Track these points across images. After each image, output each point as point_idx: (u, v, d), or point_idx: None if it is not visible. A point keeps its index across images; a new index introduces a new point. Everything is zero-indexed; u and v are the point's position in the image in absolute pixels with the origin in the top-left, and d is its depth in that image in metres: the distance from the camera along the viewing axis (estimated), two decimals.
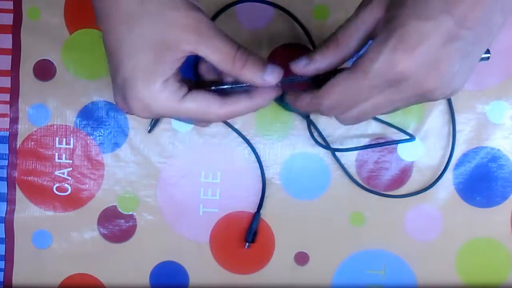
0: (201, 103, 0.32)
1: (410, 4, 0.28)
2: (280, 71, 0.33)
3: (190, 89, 0.33)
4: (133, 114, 0.32)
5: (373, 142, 0.52)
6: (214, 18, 0.51)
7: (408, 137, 0.51)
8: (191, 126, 0.52)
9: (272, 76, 0.33)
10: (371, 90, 0.30)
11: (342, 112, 0.33)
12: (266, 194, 0.52)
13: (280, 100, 0.51)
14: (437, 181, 0.51)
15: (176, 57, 0.31)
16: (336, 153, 0.51)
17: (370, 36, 0.32)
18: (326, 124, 0.52)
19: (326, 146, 0.51)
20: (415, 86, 0.29)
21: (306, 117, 0.51)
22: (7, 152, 0.53)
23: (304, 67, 0.34)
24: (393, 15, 0.29)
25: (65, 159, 0.52)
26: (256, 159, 0.52)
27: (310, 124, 0.51)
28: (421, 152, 0.52)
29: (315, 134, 0.51)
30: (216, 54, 0.31)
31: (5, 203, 0.53)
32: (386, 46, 0.28)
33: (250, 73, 0.32)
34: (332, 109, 0.33)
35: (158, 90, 0.30)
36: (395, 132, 0.51)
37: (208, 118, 0.33)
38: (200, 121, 0.35)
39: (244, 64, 0.32)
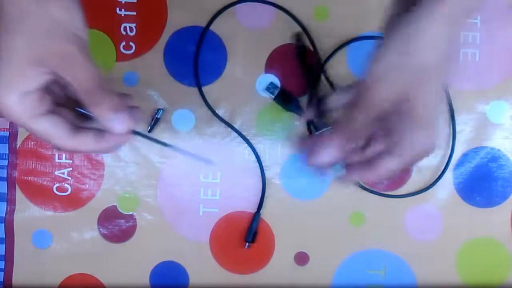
0: (49, 130, 0.32)
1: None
2: (130, 123, 0.33)
3: (56, 109, 0.33)
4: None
5: None
6: (214, 18, 0.52)
7: None
8: (191, 126, 0.52)
9: (120, 125, 0.33)
10: None
11: None
12: (266, 194, 0.52)
13: (280, 101, 0.51)
14: (437, 181, 0.51)
15: (38, 73, 0.30)
16: None
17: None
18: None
19: None
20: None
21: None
22: (7, 152, 0.53)
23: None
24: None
25: (65, 159, 0.52)
26: (256, 159, 0.52)
27: (310, 124, 0.51)
28: None
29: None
30: (76, 84, 0.31)
31: (5, 203, 0.53)
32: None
33: (101, 114, 0.32)
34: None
35: (13, 101, 0.30)
36: None
37: (55, 145, 0.33)
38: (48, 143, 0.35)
39: (99, 103, 0.32)
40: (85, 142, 0.34)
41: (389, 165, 0.34)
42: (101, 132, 0.34)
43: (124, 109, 0.33)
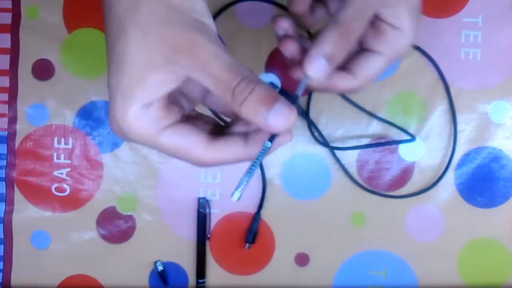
0: (182, 141, 0.27)
1: None
2: (292, 112, 0.26)
3: (183, 120, 0.28)
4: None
5: (373, 142, 0.51)
6: (214, 18, 0.51)
7: (409, 137, 0.50)
8: None
9: (278, 119, 0.25)
10: None
11: None
12: (266, 194, 0.52)
13: None
14: (439, 181, 0.51)
15: (162, 79, 0.25)
16: (337, 153, 0.51)
17: None
18: (327, 125, 0.51)
19: (326, 144, 0.51)
20: None
21: (306, 117, 0.51)
22: (6, 152, 0.52)
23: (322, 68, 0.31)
24: None
25: (64, 159, 0.52)
26: None
27: (311, 124, 0.51)
28: (423, 152, 0.51)
29: (316, 134, 0.51)
30: (213, 83, 0.25)
31: (4, 203, 0.52)
32: None
33: (250, 112, 0.25)
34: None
35: (134, 115, 0.25)
36: (396, 132, 0.51)
37: (189, 161, 0.28)
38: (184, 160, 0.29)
39: (245, 99, 0.25)
40: (228, 149, 0.28)
41: (373, 66, 0.33)
42: (248, 135, 0.28)
43: (278, 99, 0.26)
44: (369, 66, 0.33)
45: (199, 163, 0.27)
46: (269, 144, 0.27)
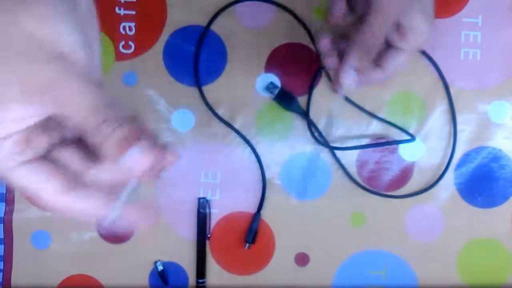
0: (33, 182, 0.25)
1: None
2: (149, 157, 0.24)
3: (57, 152, 0.26)
4: None
5: (373, 142, 0.51)
6: (214, 18, 0.51)
7: (409, 137, 0.50)
8: (191, 126, 0.52)
9: (134, 163, 0.23)
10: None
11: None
12: (266, 194, 0.52)
13: (280, 101, 0.51)
14: (438, 181, 0.51)
15: (21, 114, 0.23)
16: (337, 153, 0.51)
17: None
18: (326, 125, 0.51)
19: (326, 144, 0.51)
20: None
21: (306, 117, 0.51)
22: None
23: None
24: None
25: None
26: (256, 159, 0.52)
27: (310, 124, 0.51)
28: (422, 152, 0.51)
29: (316, 134, 0.51)
30: (77, 117, 0.23)
31: (4, 203, 0.52)
32: None
33: (108, 153, 0.23)
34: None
35: None
36: (396, 132, 0.51)
37: (40, 204, 0.26)
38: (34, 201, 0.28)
39: (110, 135, 0.23)
40: (88, 198, 0.26)
41: (398, 60, 0.40)
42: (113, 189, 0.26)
43: (139, 141, 0.24)
44: (394, 61, 0.40)
45: (48, 208, 0.26)
46: (134, 184, 0.25)
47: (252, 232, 0.51)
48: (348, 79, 0.39)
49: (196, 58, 0.52)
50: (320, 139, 0.51)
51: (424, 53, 0.51)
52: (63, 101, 0.23)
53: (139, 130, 0.24)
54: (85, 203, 0.26)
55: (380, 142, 0.51)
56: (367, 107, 0.51)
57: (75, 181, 0.26)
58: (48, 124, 0.25)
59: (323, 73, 0.51)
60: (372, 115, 0.51)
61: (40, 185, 0.25)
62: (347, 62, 0.39)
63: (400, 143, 0.51)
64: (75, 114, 0.23)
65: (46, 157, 0.26)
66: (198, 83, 0.52)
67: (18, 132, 0.24)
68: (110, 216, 0.25)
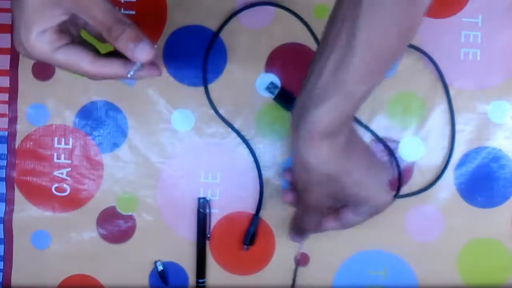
0: (72, 57, 0.35)
1: None
2: (151, 50, 0.34)
3: (73, 43, 0.36)
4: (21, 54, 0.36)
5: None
6: (221, 26, 0.51)
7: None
8: (191, 126, 0.52)
9: (142, 53, 0.34)
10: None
11: None
12: (266, 194, 0.52)
13: (280, 101, 0.51)
14: (437, 181, 0.51)
15: (54, 14, 0.33)
16: None
17: None
18: None
19: None
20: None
21: None
22: (6, 152, 0.52)
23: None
24: None
25: (64, 159, 0.52)
26: (255, 160, 0.51)
27: None
28: (422, 152, 0.51)
29: None
30: (93, 22, 0.34)
31: (4, 203, 0.52)
32: None
33: (122, 46, 0.34)
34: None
35: (33, 38, 0.34)
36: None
37: (79, 72, 0.36)
38: (76, 73, 0.37)
39: (118, 37, 0.34)
40: (110, 66, 0.36)
41: (351, 219, 0.39)
42: (128, 60, 0.36)
43: (143, 39, 0.34)
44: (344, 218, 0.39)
45: (87, 75, 0.36)
46: (139, 64, 0.36)
47: (249, 235, 0.51)
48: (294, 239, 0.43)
49: (206, 57, 0.51)
50: None
51: (424, 53, 0.51)
52: (83, 6, 0.33)
53: (140, 32, 0.34)
54: (110, 68, 0.36)
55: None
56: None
57: (99, 56, 0.36)
58: (73, 19, 0.35)
59: None
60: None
61: (77, 58, 0.35)
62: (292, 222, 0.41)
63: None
64: (93, 16, 0.33)
65: (76, 41, 0.36)
66: (205, 81, 0.51)
67: (53, 26, 0.34)
68: (129, 73, 0.36)
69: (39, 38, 0.34)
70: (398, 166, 0.51)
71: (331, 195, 0.36)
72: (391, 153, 0.51)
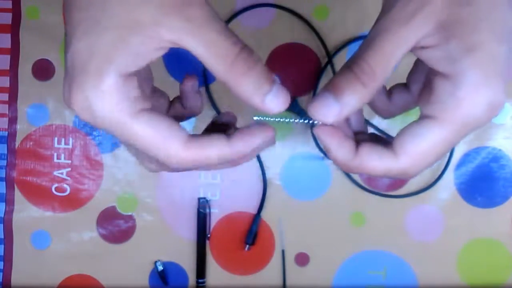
0: (160, 131, 0.22)
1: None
2: (287, 98, 0.23)
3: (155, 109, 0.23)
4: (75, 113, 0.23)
5: None
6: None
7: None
8: (192, 126, 0.52)
9: (276, 101, 0.23)
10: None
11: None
12: (266, 194, 0.52)
13: None
14: (437, 181, 0.51)
15: (146, 44, 0.21)
16: None
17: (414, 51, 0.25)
18: None
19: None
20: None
21: (306, 117, 0.51)
22: (6, 152, 0.52)
23: (329, 110, 0.24)
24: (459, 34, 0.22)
25: (64, 159, 0.52)
26: (256, 159, 0.51)
27: (312, 126, 0.51)
28: None
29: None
30: (210, 50, 0.22)
31: (4, 203, 0.52)
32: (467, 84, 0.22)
33: (250, 86, 0.22)
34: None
35: (109, 85, 0.20)
36: (396, 132, 0.51)
37: (163, 156, 0.23)
38: (150, 160, 0.25)
39: (246, 72, 0.22)
40: (213, 144, 0.23)
41: (423, 140, 0.25)
42: (228, 132, 0.24)
43: (276, 80, 0.23)
44: (416, 141, 0.26)
45: (174, 161, 0.23)
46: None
47: (252, 234, 0.51)
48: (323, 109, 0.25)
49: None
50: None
51: None
52: (195, 25, 0.21)
53: (270, 71, 0.22)
54: (212, 149, 0.24)
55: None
56: (367, 107, 0.51)
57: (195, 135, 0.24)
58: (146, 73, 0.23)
59: (324, 74, 0.51)
60: (372, 115, 0.51)
61: (167, 135, 0.22)
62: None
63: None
64: (208, 40, 0.21)
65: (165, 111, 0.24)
66: (206, 82, 0.51)
67: (141, 70, 0.21)
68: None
69: (118, 87, 0.21)
70: None
71: None
72: None
